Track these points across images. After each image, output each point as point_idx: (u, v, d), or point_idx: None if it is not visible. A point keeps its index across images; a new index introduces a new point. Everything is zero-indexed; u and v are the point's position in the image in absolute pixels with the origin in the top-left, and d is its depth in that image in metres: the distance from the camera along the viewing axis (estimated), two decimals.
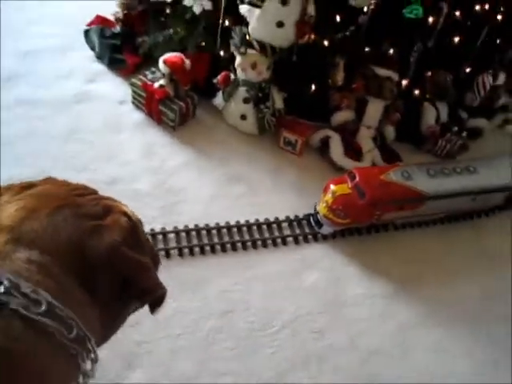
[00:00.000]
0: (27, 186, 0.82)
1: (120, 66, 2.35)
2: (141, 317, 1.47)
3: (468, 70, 2.34)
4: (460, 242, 2.05)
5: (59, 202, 0.77)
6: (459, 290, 1.89)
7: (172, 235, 1.78)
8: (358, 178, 1.82)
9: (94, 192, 0.85)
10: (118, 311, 0.81)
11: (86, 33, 2.47)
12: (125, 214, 0.81)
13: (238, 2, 2.01)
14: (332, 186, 1.85)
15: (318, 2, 1.95)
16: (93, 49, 2.42)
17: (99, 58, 2.39)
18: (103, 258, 0.74)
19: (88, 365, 0.73)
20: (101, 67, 2.35)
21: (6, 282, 0.64)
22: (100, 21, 2.50)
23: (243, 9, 1.98)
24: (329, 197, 1.83)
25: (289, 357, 1.58)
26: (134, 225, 0.81)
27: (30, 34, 2.42)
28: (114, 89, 2.27)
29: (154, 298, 0.83)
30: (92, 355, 0.72)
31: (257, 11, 1.95)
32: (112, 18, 2.43)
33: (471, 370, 1.67)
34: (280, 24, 1.95)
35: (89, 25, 2.49)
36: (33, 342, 0.65)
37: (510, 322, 1.79)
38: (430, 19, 2.06)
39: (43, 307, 0.65)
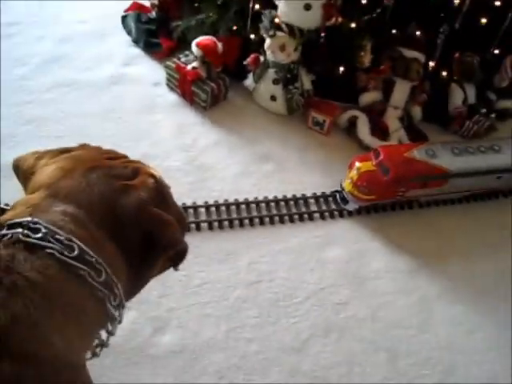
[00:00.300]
0: (64, 151, 0.92)
1: (155, 50, 2.44)
2: (171, 285, 1.59)
3: (496, 51, 2.35)
4: (484, 221, 2.08)
5: (92, 163, 0.86)
6: (481, 267, 1.92)
7: (202, 209, 1.87)
8: (382, 156, 1.88)
9: (124, 156, 0.94)
10: (144, 268, 0.89)
11: (124, 18, 2.57)
12: (152, 175, 0.90)
13: None
14: (357, 163, 1.91)
15: None
16: (129, 33, 2.52)
17: (135, 42, 2.49)
18: (131, 215, 0.82)
19: (115, 310, 0.82)
20: (137, 51, 2.45)
21: (43, 230, 0.73)
22: (137, 7, 2.60)
23: None
24: (354, 173, 1.90)
25: (311, 326, 1.66)
26: (160, 185, 0.89)
27: (67, 20, 2.53)
28: (150, 71, 2.36)
29: (176, 252, 0.91)
30: (118, 300, 0.81)
31: None
32: (148, 4, 2.52)
33: (493, 345, 1.72)
34: (308, 7, 2.00)
35: (126, 10, 2.59)
36: (65, 281, 0.73)
37: None
38: (456, 0, 2.08)
39: (75, 252, 0.74)
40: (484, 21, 2.19)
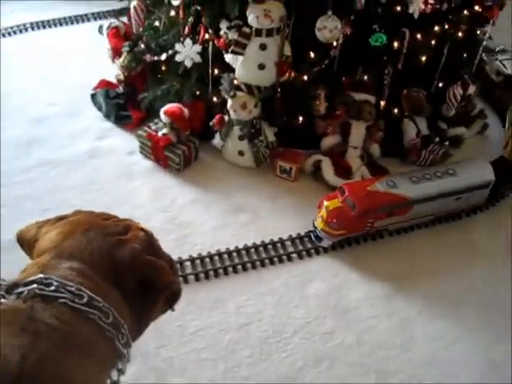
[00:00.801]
0: (61, 218, 1.07)
1: (126, 122, 2.60)
2: (168, 335, 1.70)
3: (439, 84, 2.56)
4: (451, 240, 2.23)
5: (89, 225, 1.01)
6: (454, 284, 2.06)
7: (188, 263, 1.99)
8: (347, 192, 2.03)
9: (115, 216, 1.09)
10: (145, 310, 1.03)
11: (93, 96, 2.74)
12: (141, 229, 1.05)
13: (224, 52, 2.26)
14: (325, 202, 2.06)
15: (292, 42, 2.20)
16: (100, 109, 2.68)
17: (107, 116, 2.64)
18: (127, 264, 0.97)
19: (124, 349, 0.95)
20: (109, 124, 2.60)
21: (55, 283, 0.87)
22: (104, 84, 2.77)
23: (228, 57, 2.24)
24: (323, 212, 2.04)
25: (302, 358, 1.77)
26: (150, 237, 1.05)
27: (39, 103, 2.69)
28: (123, 142, 2.51)
29: (171, 292, 1.05)
30: (126, 339, 0.94)
31: (240, 58, 2.20)
32: (115, 81, 2.70)
33: (472, 354, 1.84)
34: (262, 66, 2.19)
35: (95, 88, 2.76)
36: (79, 324, 0.87)
37: (501, 310, 1.97)
38: (395, 44, 2.29)
39: (85, 299, 0.88)
40: (424, 58, 2.40)
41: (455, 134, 2.64)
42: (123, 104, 2.65)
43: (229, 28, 2.18)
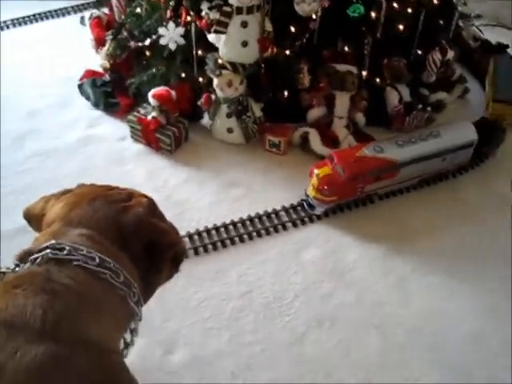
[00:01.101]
0: (66, 191, 1.13)
1: (115, 109, 2.64)
2: (172, 309, 1.76)
3: (418, 51, 2.62)
4: (440, 200, 2.30)
5: (94, 194, 1.08)
6: (448, 241, 2.12)
7: (186, 239, 2.05)
8: (336, 159, 2.10)
9: (117, 187, 1.16)
10: (152, 271, 1.10)
11: (80, 86, 2.77)
12: (143, 195, 1.11)
13: (206, 32, 2.30)
14: (315, 170, 2.12)
15: (273, 18, 2.25)
16: (88, 99, 2.71)
17: (95, 105, 2.68)
18: (133, 227, 1.04)
19: (136, 307, 1.01)
20: (98, 113, 2.64)
21: (67, 248, 0.94)
22: (90, 74, 2.80)
23: (211, 37, 2.28)
24: (314, 179, 2.11)
25: (304, 320, 1.83)
26: (151, 202, 1.12)
27: (28, 97, 2.73)
28: (114, 129, 2.56)
29: (176, 252, 1.12)
30: (137, 297, 1.01)
31: (223, 37, 2.25)
32: (100, 70, 2.73)
33: (472, 302, 1.92)
34: (244, 44, 2.24)
35: (81, 79, 2.79)
36: (93, 283, 0.94)
37: (497, 260, 2.06)
38: (373, 14, 2.34)
39: (97, 261, 0.95)
40: (401, 27, 2.46)
41: (437, 100, 2.70)
42: (111, 92, 2.68)
43: (210, 8, 2.22)
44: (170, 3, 2.35)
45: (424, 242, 2.12)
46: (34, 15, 3.37)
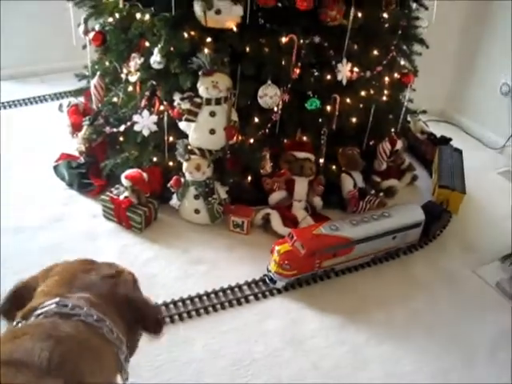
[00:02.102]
0: (48, 269, 1.29)
1: (88, 189, 2.80)
2: (138, 368, 1.84)
3: (370, 142, 2.90)
4: (393, 276, 2.49)
5: (86, 269, 1.26)
6: (398, 312, 2.30)
7: None
8: (295, 236, 2.28)
9: (97, 262, 1.33)
10: (134, 333, 1.27)
11: (55, 168, 2.93)
12: (129, 273, 1.30)
13: (177, 121, 2.52)
14: (276, 247, 2.29)
15: (238, 110, 2.50)
16: (63, 179, 2.87)
17: (69, 185, 2.83)
18: (125, 300, 1.22)
19: (124, 362, 1.17)
20: (72, 192, 2.80)
21: (70, 304, 1.09)
22: (65, 157, 2.97)
23: (182, 125, 2.50)
24: (275, 255, 2.27)
25: (262, 382, 1.94)
26: (135, 279, 1.31)
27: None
28: (87, 207, 2.70)
29: (157, 321, 1.30)
30: (125, 355, 1.17)
31: (192, 125, 2.47)
32: (76, 153, 2.91)
33: (416, 369, 2.06)
34: (212, 131, 2.46)
35: (57, 161, 2.96)
36: (91, 335, 1.09)
37: (443, 329, 2.22)
38: (328, 108, 2.61)
39: (95, 317, 1.11)
40: (354, 120, 2.73)
41: (388, 186, 2.95)
42: (85, 173, 2.85)
43: (182, 99, 2.46)
44: (146, 93, 2.57)
45: (377, 314, 2.27)
46: (12, 101, 3.57)
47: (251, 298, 2.29)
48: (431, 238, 2.69)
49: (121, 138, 2.80)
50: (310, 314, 2.24)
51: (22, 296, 1.23)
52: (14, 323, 1.13)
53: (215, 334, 2.11)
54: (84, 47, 2.91)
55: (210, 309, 2.22)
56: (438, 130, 3.46)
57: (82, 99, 3.19)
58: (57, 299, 1.12)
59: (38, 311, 1.10)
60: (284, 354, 2.04)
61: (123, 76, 2.70)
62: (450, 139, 3.30)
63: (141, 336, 1.33)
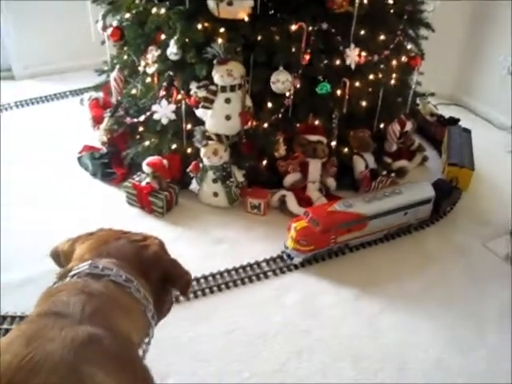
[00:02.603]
0: (90, 234, 1.41)
1: (111, 178, 2.93)
2: (165, 345, 1.97)
3: (381, 124, 3.00)
4: (405, 251, 2.60)
5: (117, 235, 1.36)
6: (411, 285, 2.40)
7: None
8: (311, 213, 2.39)
9: (128, 231, 1.44)
10: (164, 294, 1.37)
11: (79, 159, 3.08)
12: (156, 238, 1.41)
13: (194, 108, 2.65)
14: (293, 224, 2.41)
15: (252, 95, 2.61)
16: (87, 169, 3.01)
17: (93, 175, 2.97)
18: (152, 261, 1.32)
19: (151, 319, 1.27)
20: (96, 181, 2.94)
21: (100, 267, 1.20)
22: (88, 148, 3.12)
23: (199, 112, 2.62)
24: (292, 232, 2.39)
25: (286, 351, 2.05)
26: (161, 243, 1.41)
27: (36, 169, 3.02)
28: (110, 195, 2.84)
29: (185, 280, 1.38)
30: (152, 313, 1.27)
31: (209, 112, 2.59)
32: (98, 144, 3.05)
33: (430, 336, 2.16)
34: (228, 117, 2.58)
35: (80, 152, 3.10)
36: (120, 293, 1.20)
37: (455, 300, 2.33)
38: (339, 92, 2.72)
39: (123, 277, 1.21)
40: (364, 103, 2.84)
41: (399, 167, 3.05)
42: (107, 163, 2.99)
43: (198, 87, 2.58)
44: (163, 84, 2.69)
45: (391, 287, 2.38)
46: (35, 98, 3.74)
47: (270, 273, 2.41)
48: (442, 215, 2.79)
49: (140, 128, 2.93)
50: (327, 288, 2.35)
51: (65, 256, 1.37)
52: (52, 283, 1.25)
53: (238, 308, 2.23)
54: (102, 43, 3.06)
55: (231, 284, 2.34)
56: (448, 112, 3.55)
57: (101, 94, 3.34)
58: (89, 261, 1.23)
59: (73, 272, 1.21)
60: (303, 325, 2.16)
61: (141, 68, 2.84)
62: (459, 120, 3.39)
63: (171, 298, 1.43)
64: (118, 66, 2.95)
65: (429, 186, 2.65)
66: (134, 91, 2.95)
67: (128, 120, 2.91)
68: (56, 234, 2.45)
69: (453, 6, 3.08)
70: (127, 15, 2.82)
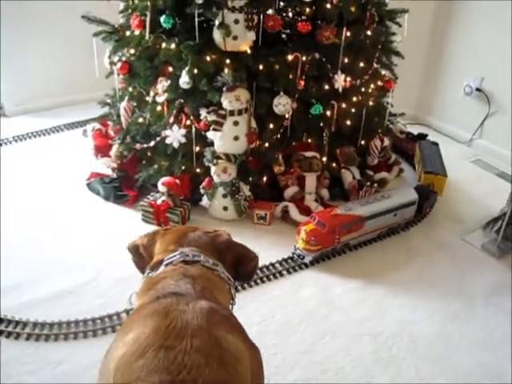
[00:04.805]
0: (166, 229, 1.65)
1: (124, 200, 3.18)
2: None
3: (362, 142, 3.39)
4: (395, 248, 2.97)
5: (192, 229, 1.62)
6: (405, 274, 2.77)
7: None
8: (318, 217, 2.73)
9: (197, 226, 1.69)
10: (238, 276, 1.62)
11: (88, 185, 3.31)
12: (224, 230, 1.65)
13: (203, 132, 2.95)
14: (302, 227, 2.74)
15: (256, 117, 2.95)
16: (98, 194, 3.25)
17: (106, 198, 3.21)
18: (226, 246, 1.58)
19: (234, 293, 1.52)
20: (109, 204, 3.19)
21: (190, 254, 1.46)
22: (95, 175, 3.36)
23: (210, 134, 2.93)
24: (303, 234, 2.71)
25: (311, 335, 2.35)
26: (229, 234, 1.65)
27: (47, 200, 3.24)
28: (125, 215, 3.09)
29: (256, 262, 1.64)
30: (234, 289, 1.53)
31: (219, 134, 2.91)
32: (104, 170, 3.31)
33: (429, 314, 2.52)
34: (236, 138, 2.90)
35: (88, 179, 3.34)
36: (213, 275, 1.46)
37: (443, 285, 2.70)
38: (328, 113, 3.10)
39: (211, 262, 1.47)
40: (349, 122, 3.22)
41: (380, 178, 3.44)
42: (118, 186, 3.24)
43: (208, 112, 2.90)
44: (174, 111, 2.99)
45: (389, 277, 2.74)
46: (36, 131, 4.00)
47: (284, 272, 2.72)
48: (423, 215, 3.18)
49: (148, 153, 3.21)
50: (335, 281, 2.68)
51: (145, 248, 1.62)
52: (145, 274, 1.50)
53: (263, 302, 2.52)
54: (107, 76, 3.36)
55: (252, 283, 2.63)
56: (414, 131, 3.99)
57: (97, 125, 3.60)
58: (179, 251, 1.48)
59: (166, 262, 1.44)
60: (321, 313, 2.47)
61: (149, 98, 3.13)
62: (427, 135, 3.84)
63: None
64: (126, 97, 3.23)
65: (412, 191, 3.05)
66: (140, 120, 3.22)
67: (138, 146, 3.18)
68: (80, 252, 2.75)
69: (414, 36, 3.51)
70: (132, 51, 3.11)
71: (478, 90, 3.99)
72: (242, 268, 1.60)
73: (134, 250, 1.66)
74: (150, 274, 1.47)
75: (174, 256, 1.45)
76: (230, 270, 1.55)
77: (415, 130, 4.06)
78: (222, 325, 1.24)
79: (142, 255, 1.63)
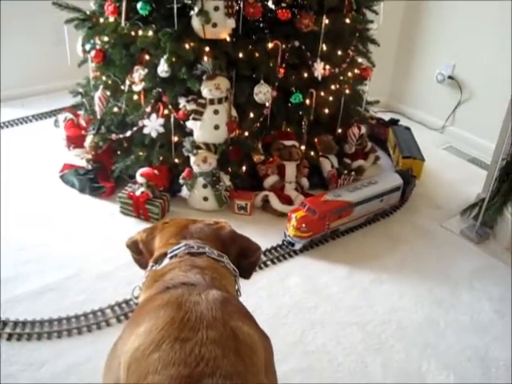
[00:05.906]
0: (164, 223, 1.60)
1: (100, 192, 3.10)
2: None
3: (340, 130, 3.39)
4: (378, 235, 2.99)
5: (193, 221, 1.57)
6: (388, 262, 2.79)
7: None
8: (308, 204, 2.74)
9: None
10: (242, 267, 1.57)
11: (62, 177, 3.21)
12: (225, 221, 1.62)
13: (182, 122, 2.89)
14: (293, 214, 2.73)
15: (237, 106, 2.91)
16: (73, 186, 3.15)
17: (81, 190, 3.12)
18: (230, 237, 1.55)
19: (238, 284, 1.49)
20: (85, 196, 3.10)
21: (195, 246, 1.42)
22: (68, 167, 3.26)
23: (189, 124, 2.87)
24: (293, 221, 2.70)
25: (299, 326, 2.34)
26: (230, 226, 1.61)
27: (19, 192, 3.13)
28: (102, 207, 3.02)
29: (259, 253, 1.61)
30: (238, 280, 1.50)
31: (198, 123, 2.85)
32: (77, 162, 3.22)
33: (415, 301, 2.55)
34: (216, 127, 2.85)
35: (61, 171, 3.24)
36: (219, 266, 1.43)
37: (426, 271, 2.74)
38: (308, 101, 3.08)
39: (216, 253, 1.44)
40: (327, 111, 3.21)
41: (358, 166, 3.45)
42: (93, 178, 3.15)
43: (187, 101, 2.84)
44: (151, 100, 2.92)
45: (374, 263, 2.76)
46: (10, 121, 3.86)
47: (269, 262, 2.70)
48: (405, 200, 3.22)
49: (125, 144, 3.13)
50: (323, 269, 2.68)
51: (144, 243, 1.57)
52: (149, 267, 1.45)
53: (249, 292, 2.48)
54: (80, 65, 3.26)
55: None
56: (386, 118, 4.02)
57: (70, 115, 3.48)
58: (183, 243, 1.44)
59: (170, 254, 1.40)
60: (309, 302, 2.47)
61: (125, 87, 3.05)
62: (399, 120, 3.89)
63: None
64: (101, 86, 3.13)
65: (397, 176, 3.09)
66: (115, 109, 3.13)
67: (114, 136, 3.10)
68: (59, 247, 2.66)
69: (388, 23, 3.51)
70: (106, 38, 3.02)
71: (450, 77, 4.03)
72: (245, 260, 1.58)
73: (133, 246, 1.61)
74: (153, 267, 1.43)
75: (179, 248, 1.42)
76: (234, 262, 1.52)
77: (387, 117, 4.08)
78: (236, 315, 1.22)
79: (141, 251, 1.58)
